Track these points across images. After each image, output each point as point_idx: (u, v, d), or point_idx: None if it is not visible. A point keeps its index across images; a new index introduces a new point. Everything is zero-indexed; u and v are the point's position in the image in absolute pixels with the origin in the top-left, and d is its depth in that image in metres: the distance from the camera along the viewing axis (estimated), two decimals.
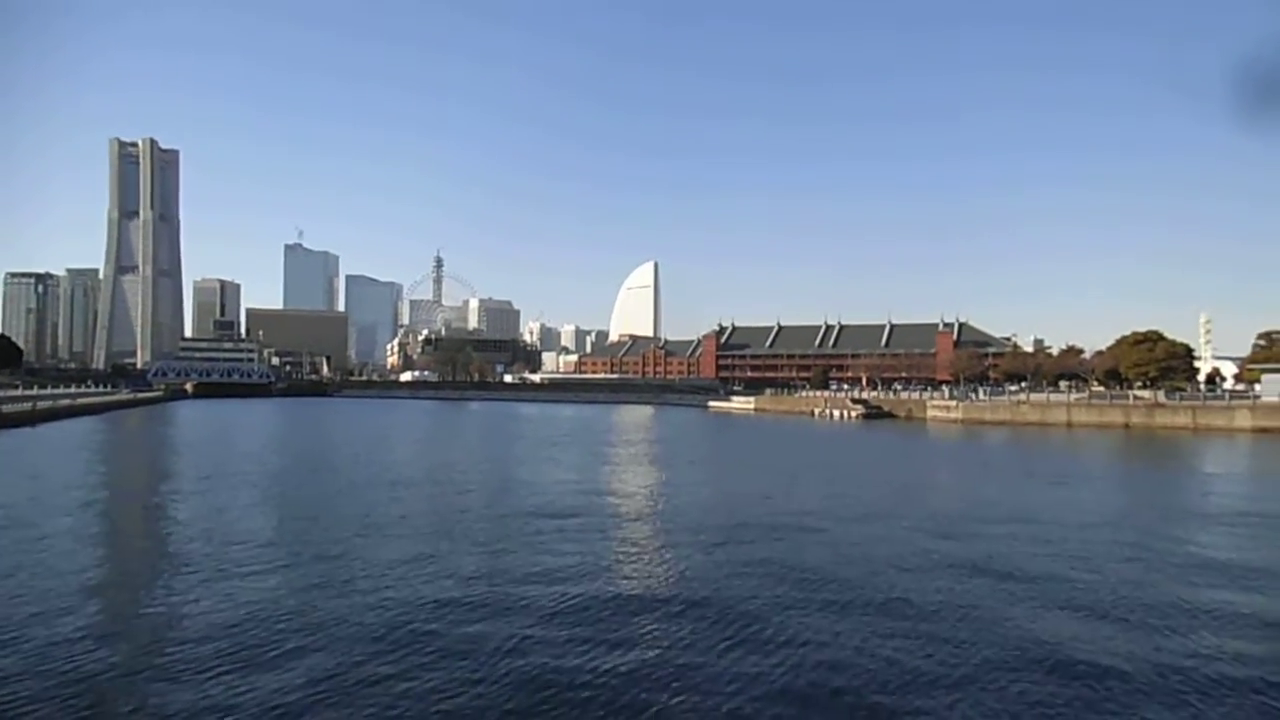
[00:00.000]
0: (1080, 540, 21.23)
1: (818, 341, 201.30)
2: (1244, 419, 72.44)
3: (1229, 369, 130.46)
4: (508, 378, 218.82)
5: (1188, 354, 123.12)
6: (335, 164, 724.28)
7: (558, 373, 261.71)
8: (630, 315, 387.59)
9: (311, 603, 14.39)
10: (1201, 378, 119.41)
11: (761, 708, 10.12)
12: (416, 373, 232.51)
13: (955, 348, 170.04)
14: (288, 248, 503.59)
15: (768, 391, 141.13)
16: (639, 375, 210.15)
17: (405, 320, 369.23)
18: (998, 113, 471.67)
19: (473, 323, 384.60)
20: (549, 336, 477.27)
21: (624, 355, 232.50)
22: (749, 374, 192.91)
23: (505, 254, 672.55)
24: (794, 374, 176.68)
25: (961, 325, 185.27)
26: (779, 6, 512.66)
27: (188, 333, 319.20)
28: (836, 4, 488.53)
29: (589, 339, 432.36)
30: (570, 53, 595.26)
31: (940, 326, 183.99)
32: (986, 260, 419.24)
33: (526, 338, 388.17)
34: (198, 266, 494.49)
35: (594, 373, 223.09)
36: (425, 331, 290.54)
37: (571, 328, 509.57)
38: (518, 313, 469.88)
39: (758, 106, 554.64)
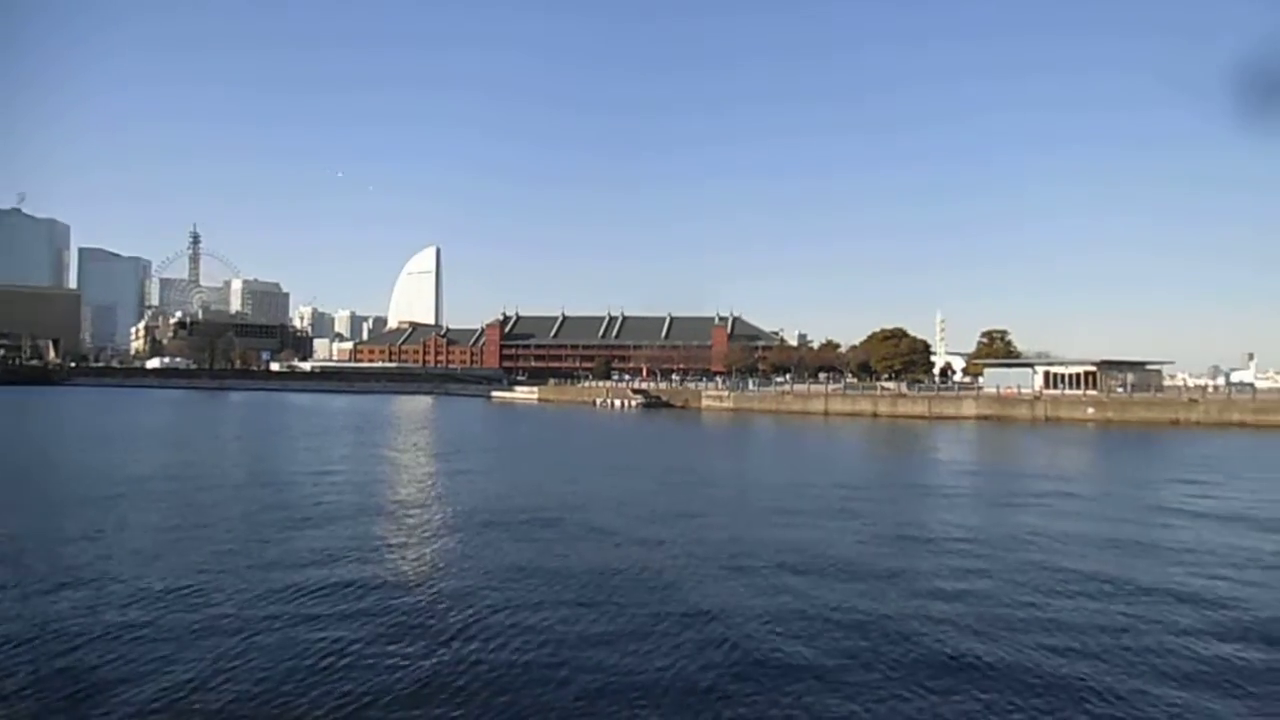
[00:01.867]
0: (811, 506, 22.61)
1: (601, 332, 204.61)
2: (970, 407, 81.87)
3: (959, 363, 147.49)
4: (275, 365, 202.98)
5: (926, 349, 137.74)
6: (63, 128, 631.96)
7: (331, 360, 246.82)
8: (411, 301, 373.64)
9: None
10: (937, 370, 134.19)
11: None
12: (167, 359, 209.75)
13: (729, 341, 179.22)
14: (3, 213, 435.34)
15: (551, 381, 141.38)
16: (420, 364, 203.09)
17: (154, 301, 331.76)
18: (765, 107, 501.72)
19: (235, 306, 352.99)
20: (322, 322, 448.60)
21: (404, 343, 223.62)
22: (533, 364, 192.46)
23: (272, 233, 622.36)
24: (578, 364, 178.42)
25: (735, 319, 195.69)
26: None
27: None
28: None
29: (366, 325, 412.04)
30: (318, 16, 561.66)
31: (716, 320, 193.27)
32: (750, 254, 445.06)
33: (297, 323, 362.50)
34: None
35: (371, 361, 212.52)
36: (179, 314, 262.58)
37: (347, 313, 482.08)
38: (287, 296, 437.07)
39: (536, 89, 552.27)
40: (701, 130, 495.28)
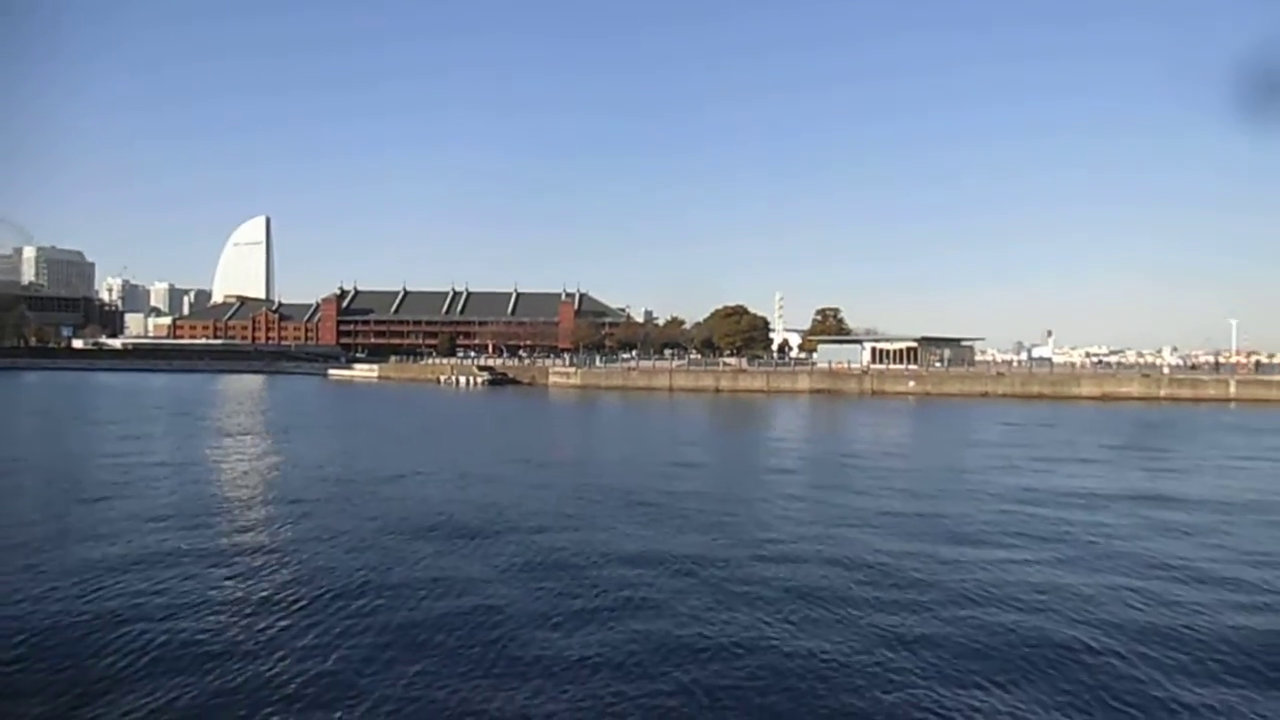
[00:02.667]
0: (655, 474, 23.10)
1: (445, 308, 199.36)
2: (805, 382, 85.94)
3: (795, 339, 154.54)
4: (78, 343, 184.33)
5: (766, 326, 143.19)
6: None
7: (146, 337, 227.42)
8: (238, 274, 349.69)
9: None
10: (775, 347, 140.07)
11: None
12: None
13: (576, 317, 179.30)
14: None
15: (393, 359, 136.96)
16: (249, 341, 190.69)
17: None
18: (612, 77, 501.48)
19: (28, 276, 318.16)
20: (134, 295, 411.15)
21: (230, 318, 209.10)
22: (373, 340, 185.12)
23: (75, 196, 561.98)
24: (421, 340, 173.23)
25: (582, 296, 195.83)
26: None
27: None
28: None
29: (187, 299, 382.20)
30: None
31: (563, 296, 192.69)
32: (597, 230, 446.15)
33: (105, 296, 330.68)
34: None
35: (193, 337, 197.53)
36: None
37: (164, 286, 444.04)
38: (92, 266, 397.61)
39: (370, 58, 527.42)
40: (529, 111, 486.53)
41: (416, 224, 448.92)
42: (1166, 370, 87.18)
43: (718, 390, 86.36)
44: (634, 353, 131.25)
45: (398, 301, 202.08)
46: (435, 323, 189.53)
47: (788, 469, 30.44)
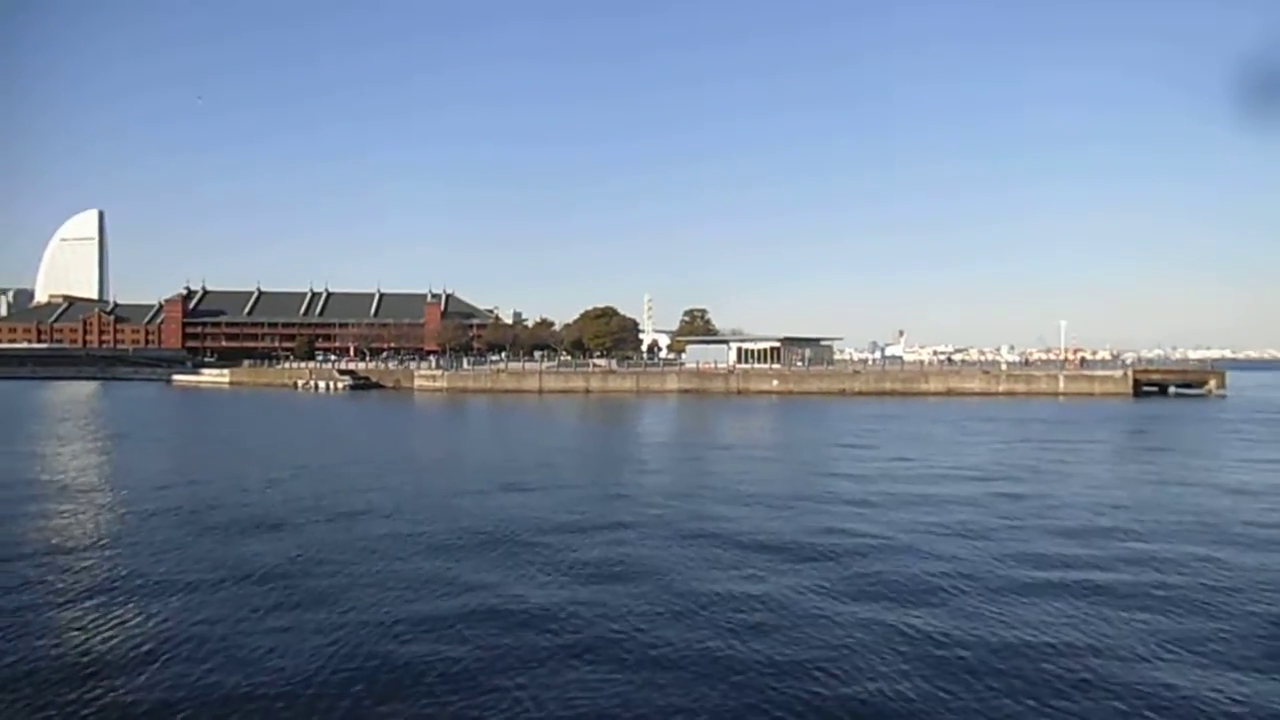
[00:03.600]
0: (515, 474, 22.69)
1: (303, 309, 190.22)
2: (673, 382, 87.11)
3: (665, 340, 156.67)
4: None
5: (635, 328, 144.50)
6: None
7: None
8: (66, 273, 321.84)
9: None
10: (645, 348, 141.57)
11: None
12: None
13: (442, 318, 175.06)
14: None
15: (246, 363, 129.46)
16: (79, 345, 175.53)
17: None
18: (471, 69, 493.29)
19: None
20: None
21: (57, 320, 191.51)
22: (224, 343, 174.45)
23: None
24: (277, 344, 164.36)
25: (449, 297, 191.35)
26: None
27: None
28: None
29: (4, 300, 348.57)
30: None
31: (429, 297, 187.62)
32: (464, 228, 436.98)
33: None
34: None
35: (13, 341, 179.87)
36: None
37: None
38: None
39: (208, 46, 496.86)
40: (397, 102, 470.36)
41: (273, 223, 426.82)
42: (1004, 367, 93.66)
43: (588, 391, 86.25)
44: (503, 355, 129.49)
45: (251, 302, 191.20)
46: (293, 325, 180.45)
47: (652, 466, 30.62)
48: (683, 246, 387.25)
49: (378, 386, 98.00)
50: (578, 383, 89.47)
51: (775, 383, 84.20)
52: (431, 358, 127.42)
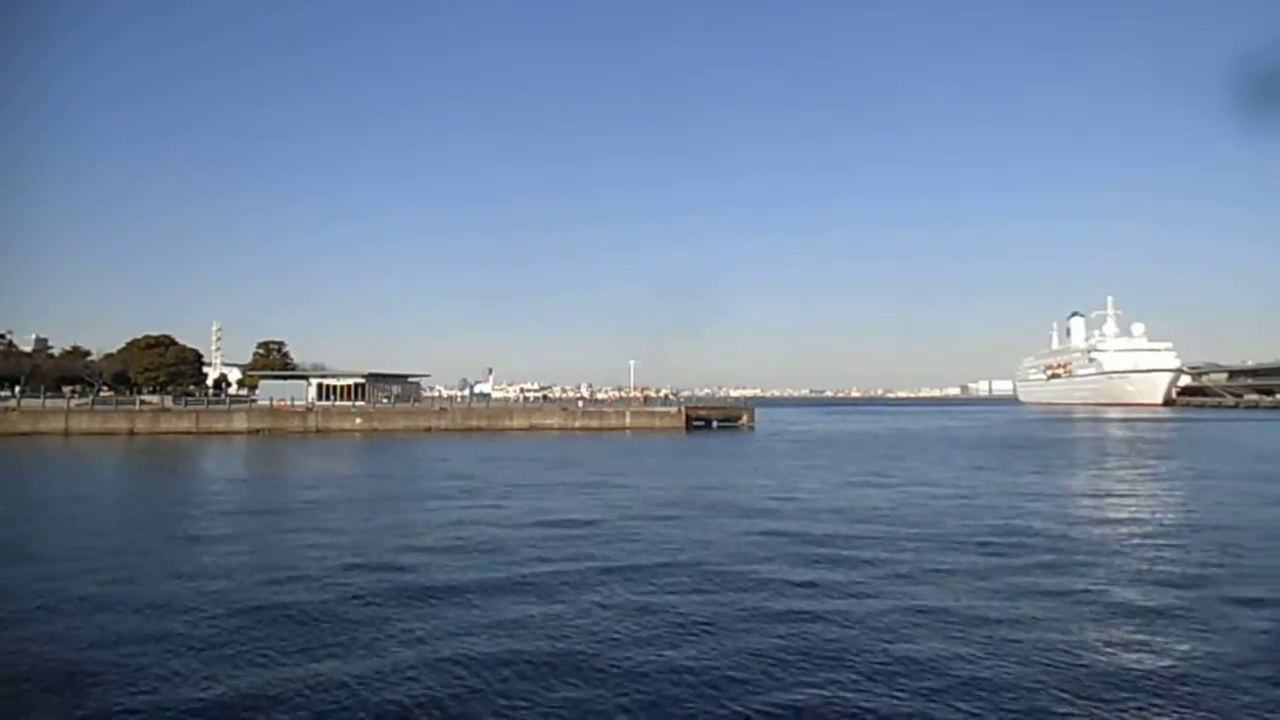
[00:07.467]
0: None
1: None
2: (242, 421, 78.59)
3: (235, 375, 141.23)
4: None
5: (198, 359, 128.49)
6: None
7: None
8: None
9: None
10: (210, 382, 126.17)
11: None
12: None
13: None
14: None
15: None
16: None
17: None
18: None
19: None
20: None
21: None
22: None
23: None
24: None
25: None
26: None
27: None
28: None
29: None
30: None
31: None
32: None
33: None
34: None
35: None
36: None
37: None
38: None
39: None
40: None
41: None
42: (580, 404, 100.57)
43: (133, 433, 74.13)
44: (16, 389, 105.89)
45: None
46: None
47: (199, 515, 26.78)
48: (258, 272, 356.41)
49: None
50: (120, 423, 76.35)
51: (359, 420, 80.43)
52: None
